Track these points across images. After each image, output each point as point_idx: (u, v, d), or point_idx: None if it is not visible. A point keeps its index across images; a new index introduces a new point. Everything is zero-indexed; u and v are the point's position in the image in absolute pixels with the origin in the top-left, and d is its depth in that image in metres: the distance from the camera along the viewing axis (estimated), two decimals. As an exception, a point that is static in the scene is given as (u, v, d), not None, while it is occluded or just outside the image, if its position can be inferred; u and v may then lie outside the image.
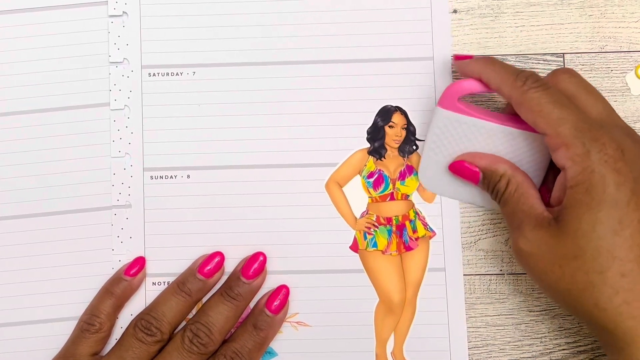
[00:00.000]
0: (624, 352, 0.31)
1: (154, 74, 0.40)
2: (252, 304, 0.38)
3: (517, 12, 0.41)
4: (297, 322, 0.39)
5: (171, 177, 0.40)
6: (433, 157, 0.38)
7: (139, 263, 0.39)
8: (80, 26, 0.40)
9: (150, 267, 0.39)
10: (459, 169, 0.37)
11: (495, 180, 0.36)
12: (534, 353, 0.39)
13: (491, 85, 0.35)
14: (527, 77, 0.34)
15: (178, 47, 0.40)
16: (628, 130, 0.34)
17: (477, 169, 0.36)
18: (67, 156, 0.40)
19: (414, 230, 0.39)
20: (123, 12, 0.41)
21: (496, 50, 0.40)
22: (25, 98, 0.40)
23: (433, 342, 0.38)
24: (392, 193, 0.39)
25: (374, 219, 0.39)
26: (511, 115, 0.36)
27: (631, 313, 0.30)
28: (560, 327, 0.39)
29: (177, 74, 0.40)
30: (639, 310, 0.30)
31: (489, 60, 0.36)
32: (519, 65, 0.40)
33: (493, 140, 0.36)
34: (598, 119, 0.33)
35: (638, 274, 0.30)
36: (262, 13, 0.40)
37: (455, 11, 0.41)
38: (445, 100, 0.37)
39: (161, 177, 0.40)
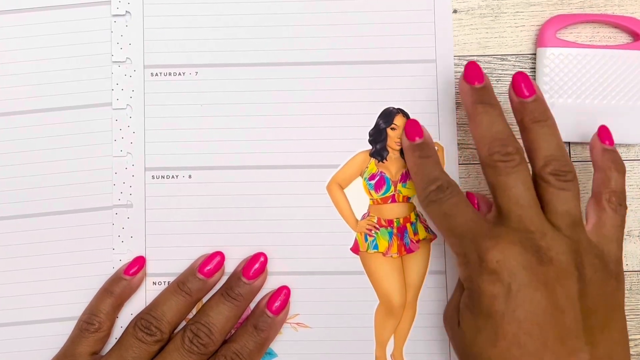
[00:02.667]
0: None
1: (157, 74, 0.40)
2: (252, 305, 0.38)
3: (517, 12, 0.41)
4: (297, 323, 0.39)
5: (173, 177, 0.40)
6: (548, 100, 0.38)
7: (139, 262, 0.39)
8: (83, 26, 0.41)
9: (150, 267, 0.39)
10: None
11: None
12: None
13: None
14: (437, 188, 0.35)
15: (181, 47, 0.40)
16: (530, 236, 0.32)
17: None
18: (68, 156, 0.40)
19: (415, 233, 0.39)
20: (126, 11, 0.41)
21: (496, 50, 0.41)
22: (27, 98, 0.40)
23: (433, 344, 0.38)
24: (394, 195, 0.39)
25: (375, 221, 0.39)
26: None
27: None
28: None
29: (179, 74, 0.40)
30: None
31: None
32: (518, 65, 0.40)
33: (601, 65, 0.38)
34: (507, 222, 0.33)
35: None
36: (265, 14, 0.40)
37: (455, 11, 0.41)
38: (546, 39, 0.38)
39: (163, 177, 0.40)
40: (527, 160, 0.34)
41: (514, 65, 0.40)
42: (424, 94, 0.40)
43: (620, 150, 0.40)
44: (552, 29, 0.39)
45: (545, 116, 0.35)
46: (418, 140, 0.38)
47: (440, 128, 0.40)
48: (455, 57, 0.40)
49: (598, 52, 0.39)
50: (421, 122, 0.39)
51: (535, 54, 0.40)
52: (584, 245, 0.32)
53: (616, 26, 0.40)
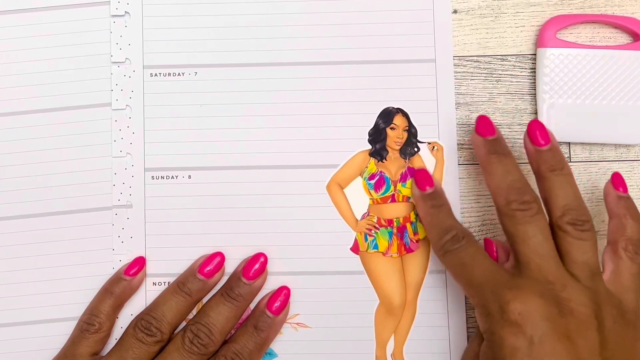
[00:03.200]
0: None
1: (156, 74, 0.40)
2: (252, 305, 0.38)
3: (517, 12, 0.41)
4: (297, 323, 0.39)
5: (172, 177, 0.40)
6: (548, 100, 0.39)
7: (139, 263, 0.39)
8: (82, 26, 0.40)
9: (150, 267, 0.39)
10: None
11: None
12: None
13: None
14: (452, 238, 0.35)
15: (180, 48, 0.40)
16: (551, 287, 0.32)
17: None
18: (68, 156, 0.40)
19: (415, 232, 0.39)
20: (125, 12, 0.41)
21: (496, 51, 0.41)
22: (26, 98, 0.40)
23: (433, 344, 0.38)
24: (393, 195, 0.39)
25: (375, 220, 0.39)
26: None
27: None
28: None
29: (179, 74, 0.40)
30: None
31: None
32: (518, 66, 0.40)
33: (601, 66, 0.38)
34: (527, 271, 0.33)
35: None
36: (264, 14, 0.40)
37: (455, 11, 0.41)
38: (546, 39, 0.38)
39: (162, 178, 0.40)
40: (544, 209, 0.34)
41: (514, 66, 0.40)
42: (423, 93, 0.40)
43: (620, 150, 0.40)
44: (552, 30, 0.39)
45: (561, 165, 0.35)
46: (429, 189, 0.37)
47: (440, 128, 0.39)
48: (455, 58, 0.40)
49: (598, 53, 0.39)
50: (420, 122, 0.39)
51: (535, 54, 0.40)
52: (603, 296, 0.33)
53: (616, 26, 0.40)
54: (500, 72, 0.40)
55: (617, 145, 0.40)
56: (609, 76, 0.39)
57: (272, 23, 0.40)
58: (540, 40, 0.39)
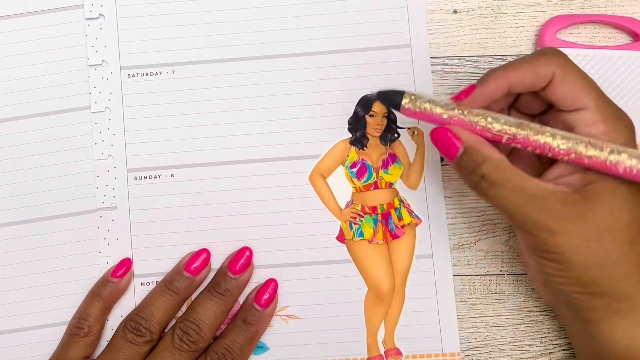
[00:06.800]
0: (632, 314, 0.31)
1: (134, 75, 0.40)
2: (241, 300, 0.38)
3: (517, 12, 0.41)
4: (287, 315, 0.39)
5: (155, 176, 0.40)
6: None
7: (126, 265, 0.39)
8: (57, 31, 0.40)
9: (138, 268, 0.39)
10: (439, 139, 0.33)
11: (478, 161, 0.32)
12: (534, 353, 0.39)
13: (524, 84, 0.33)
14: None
15: (156, 47, 0.40)
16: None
17: (459, 144, 0.32)
18: (50, 161, 0.40)
19: (400, 218, 0.39)
20: (99, 14, 0.41)
21: (496, 51, 0.40)
22: (4, 106, 0.40)
23: (424, 328, 0.38)
24: (376, 182, 0.39)
25: (359, 208, 0.39)
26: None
27: None
28: (560, 328, 0.39)
29: (156, 74, 0.40)
30: None
31: (508, 66, 0.33)
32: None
33: (601, 66, 0.38)
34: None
35: None
36: (237, 9, 0.40)
37: (455, 11, 0.41)
38: (546, 39, 0.38)
39: (145, 178, 0.40)
40: None
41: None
42: (400, 79, 0.40)
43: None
44: (552, 30, 0.39)
45: None
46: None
47: (419, 112, 0.40)
48: (456, 58, 0.40)
49: (598, 53, 0.39)
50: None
51: None
52: None
53: (616, 26, 0.40)
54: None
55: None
56: (609, 76, 0.39)
57: (246, 17, 0.40)
58: (540, 40, 0.39)
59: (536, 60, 0.33)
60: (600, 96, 0.33)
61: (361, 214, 0.39)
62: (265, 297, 0.37)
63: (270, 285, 0.38)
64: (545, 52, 0.33)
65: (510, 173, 0.32)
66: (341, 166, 0.40)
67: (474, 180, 0.33)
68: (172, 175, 0.40)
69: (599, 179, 0.31)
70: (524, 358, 0.39)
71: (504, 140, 0.32)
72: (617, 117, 0.33)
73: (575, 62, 0.38)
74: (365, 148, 0.39)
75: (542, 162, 0.35)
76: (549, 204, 0.31)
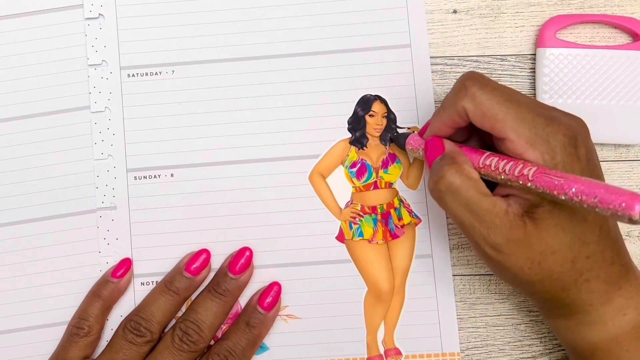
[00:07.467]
0: (573, 317, 0.33)
1: (133, 75, 0.40)
2: (241, 300, 0.38)
3: (517, 12, 0.41)
4: (287, 315, 0.39)
5: (155, 176, 0.40)
6: (548, 100, 0.39)
7: (126, 265, 0.39)
8: (57, 30, 0.40)
9: (137, 268, 0.39)
10: (430, 145, 0.34)
11: (447, 162, 0.33)
12: (534, 353, 0.39)
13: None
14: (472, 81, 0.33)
15: (156, 47, 0.40)
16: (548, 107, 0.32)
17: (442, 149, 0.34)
18: (50, 161, 0.40)
19: (399, 218, 0.39)
20: (99, 14, 0.41)
21: (496, 51, 0.40)
22: (4, 106, 0.40)
23: (423, 328, 0.38)
24: (376, 182, 0.39)
25: (359, 208, 0.39)
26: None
27: (589, 288, 0.31)
28: (559, 326, 0.39)
29: (156, 74, 0.40)
30: (594, 285, 0.31)
31: (440, 107, 0.34)
32: (518, 66, 0.40)
33: (601, 66, 0.38)
34: (542, 106, 0.32)
35: (599, 254, 0.31)
36: (237, 9, 0.40)
37: (455, 11, 0.41)
38: (546, 39, 0.38)
39: (145, 177, 0.40)
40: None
41: (514, 66, 0.40)
42: (400, 79, 0.40)
43: (620, 150, 0.40)
44: (552, 29, 0.39)
45: None
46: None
47: (419, 112, 0.40)
48: (456, 57, 0.40)
49: (598, 53, 0.39)
50: (399, 107, 0.39)
51: (535, 54, 0.40)
52: None
53: (616, 26, 0.40)
54: (500, 72, 0.40)
55: (616, 145, 0.40)
56: (608, 76, 0.39)
57: (245, 17, 0.40)
58: (540, 40, 0.39)
59: (454, 95, 0.33)
60: (518, 121, 0.31)
61: (361, 213, 0.39)
62: (268, 300, 0.37)
63: (274, 289, 0.38)
64: (459, 85, 0.32)
65: (469, 182, 0.32)
66: (341, 166, 0.40)
67: (435, 179, 0.33)
68: (171, 175, 0.40)
69: (544, 201, 0.31)
70: (524, 358, 0.39)
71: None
72: (544, 135, 0.30)
73: (575, 62, 0.38)
74: (365, 148, 0.40)
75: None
76: (500, 223, 0.31)
